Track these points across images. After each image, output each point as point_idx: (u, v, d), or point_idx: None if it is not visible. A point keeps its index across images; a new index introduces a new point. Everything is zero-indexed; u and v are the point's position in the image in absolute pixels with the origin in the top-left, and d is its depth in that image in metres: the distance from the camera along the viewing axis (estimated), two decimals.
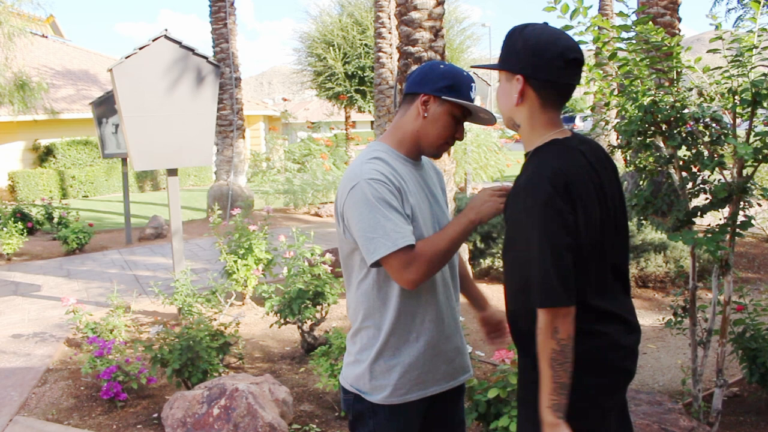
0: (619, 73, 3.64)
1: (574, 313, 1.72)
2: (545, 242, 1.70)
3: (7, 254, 10.18)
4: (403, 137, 2.08)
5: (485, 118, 2.11)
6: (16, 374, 5.04)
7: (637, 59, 3.45)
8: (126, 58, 5.86)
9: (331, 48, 21.11)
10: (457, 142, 7.18)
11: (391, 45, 15.00)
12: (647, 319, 5.82)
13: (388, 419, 2.05)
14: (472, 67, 2.16)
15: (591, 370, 1.79)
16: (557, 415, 1.73)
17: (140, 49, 5.91)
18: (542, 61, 1.79)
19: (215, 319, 4.97)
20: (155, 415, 4.18)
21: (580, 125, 38.34)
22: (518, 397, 1.99)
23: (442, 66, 2.05)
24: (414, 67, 6.37)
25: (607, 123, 4.47)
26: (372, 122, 22.97)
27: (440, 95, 2.01)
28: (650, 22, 3.42)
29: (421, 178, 2.11)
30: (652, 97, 3.36)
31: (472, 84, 2.06)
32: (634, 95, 3.44)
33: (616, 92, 3.74)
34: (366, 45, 20.53)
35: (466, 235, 2.03)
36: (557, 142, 1.83)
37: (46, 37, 24.99)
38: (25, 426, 4.13)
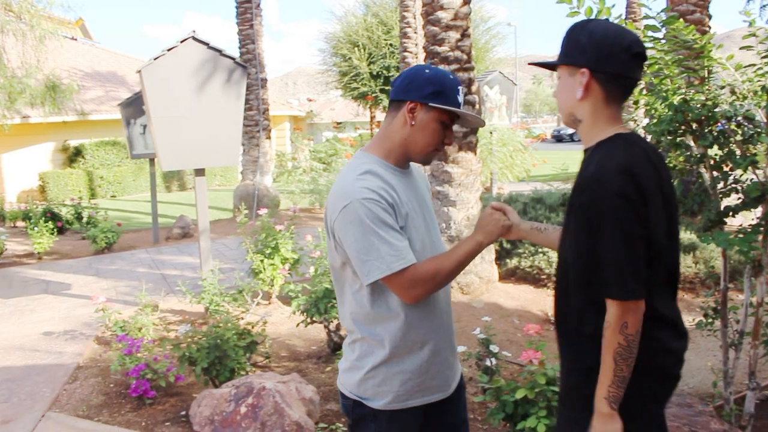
0: (648, 71, 3.60)
1: (643, 307, 1.70)
2: (618, 233, 1.68)
3: (38, 253, 10.35)
4: (391, 147, 2.05)
5: (473, 122, 2.11)
6: (48, 371, 5.12)
7: (666, 58, 3.41)
8: (155, 59, 5.92)
9: (356, 48, 21.18)
10: (483, 142, 7.21)
11: (416, 45, 15.00)
12: None
13: (389, 422, 2.05)
14: (530, 64, 2.11)
15: (645, 375, 1.77)
16: (612, 407, 1.73)
17: (168, 50, 5.96)
18: (609, 55, 1.77)
19: (242, 318, 5.00)
20: (183, 413, 4.22)
21: None
22: (561, 399, 1.97)
23: (427, 71, 2.01)
24: (441, 67, 6.36)
25: (636, 123, 4.43)
26: None
27: (427, 102, 1.97)
28: (680, 20, 3.38)
29: (411, 186, 2.10)
30: (683, 96, 3.31)
31: (459, 87, 2.03)
32: (664, 94, 3.40)
33: (644, 91, 3.71)
34: (391, 45, 20.56)
35: (473, 256, 2.04)
36: (622, 136, 1.81)
37: (76, 39, 25.34)
38: (57, 422, 4.20)
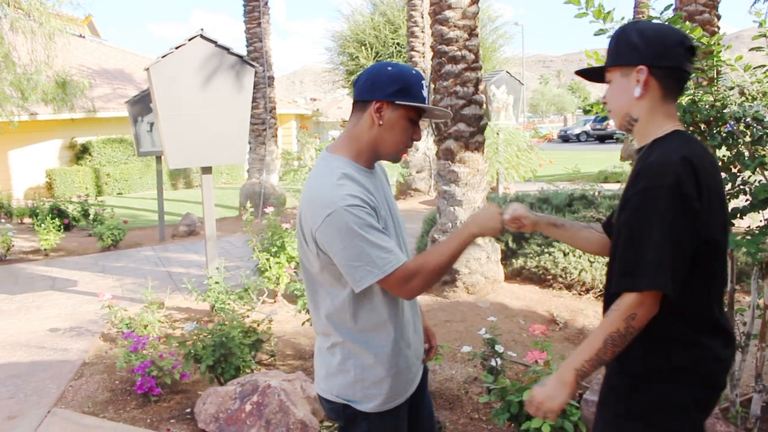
0: None
1: (658, 305, 1.69)
2: (667, 225, 1.66)
3: (45, 250, 10.38)
4: (360, 148, 2.03)
5: (440, 116, 2.10)
6: (54, 367, 5.13)
7: None
8: (162, 57, 5.93)
9: (363, 47, 21.19)
10: (488, 141, 7.20)
11: (423, 44, 15.00)
12: None
13: (381, 420, 2.07)
14: (577, 73, 2.07)
15: (692, 383, 1.77)
16: (577, 381, 1.73)
17: (176, 48, 5.97)
18: (665, 49, 1.78)
19: (248, 317, 5.00)
20: (188, 410, 4.23)
21: (613, 125, 37.89)
22: (601, 398, 1.95)
23: (389, 68, 1.99)
24: (447, 67, 6.36)
25: None
26: None
27: (393, 100, 1.96)
28: (686, 22, 3.37)
29: (379, 187, 2.10)
30: (691, 97, 3.30)
31: (423, 81, 2.02)
32: None
33: None
34: (398, 44, 20.56)
35: (465, 247, 2.04)
36: (680, 132, 1.81)
37: (84, 37, 25.45)
38: (63, 418, 4.21)
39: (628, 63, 1.82)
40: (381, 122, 1.98)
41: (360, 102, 2.02)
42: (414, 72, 2.01)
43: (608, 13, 3.32)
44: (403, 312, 2.08)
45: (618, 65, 1.85)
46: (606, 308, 1.91)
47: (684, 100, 3.31)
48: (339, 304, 2.00)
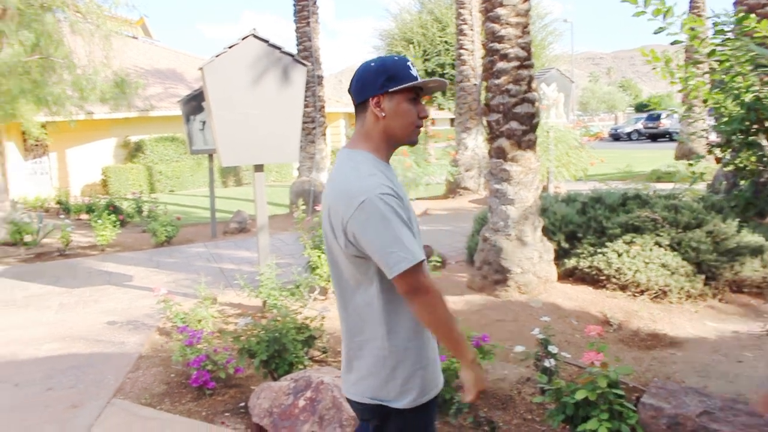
0: (718, 69, 3.50)
1: None
2: None
3: (101, 245, 10.67)
4: (376, 143, 2.09)
5: (436, 87, 2.14)
6: (112, 360, 5.27)
7: (739, 54, 3.31)
8: (216, 56, 6.02)
9: (411, 45, 21.17)
10: (539, 140, 7.11)
11: (472, 42, 14.92)
12: (743, 325, 5.57)
13: (415, 416, 2.09)
14: None
15: None
16: None
17: (230, 47, 6.05)
18: None
19: (300, 313, 5.05)
20: (242, 404, 4.29)
21: (666, 123, 37.14)
22: None
23: (372, 64, 2.08)
24: (500, 64, 6.31)
25: (703, 121, 4.31)
26: (452, 120, 22.94)
27: (386, 90, 2.03)
28: (752, 14, 3.27)
29: (397, 181, 2.13)
30: (756, 94, 3.21)
31: (408, 63, 2.08)
32: (736, 91, 3.30)
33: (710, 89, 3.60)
34: (446, 42, 20.50)
35: (451, 345, 2.04)
36: None
37: (137, 38, 26.08)
38: (121, 408, 4.32)
39: None
40: (383, 114, 2.06)
41: (360, 105, 2.10)
42: (396, 58, 2.10)
43: (668, 9, 3.25)
44: None
45: None
46: None
47: (748, 97, 3.22)
48: (368, 299, 2.03)
